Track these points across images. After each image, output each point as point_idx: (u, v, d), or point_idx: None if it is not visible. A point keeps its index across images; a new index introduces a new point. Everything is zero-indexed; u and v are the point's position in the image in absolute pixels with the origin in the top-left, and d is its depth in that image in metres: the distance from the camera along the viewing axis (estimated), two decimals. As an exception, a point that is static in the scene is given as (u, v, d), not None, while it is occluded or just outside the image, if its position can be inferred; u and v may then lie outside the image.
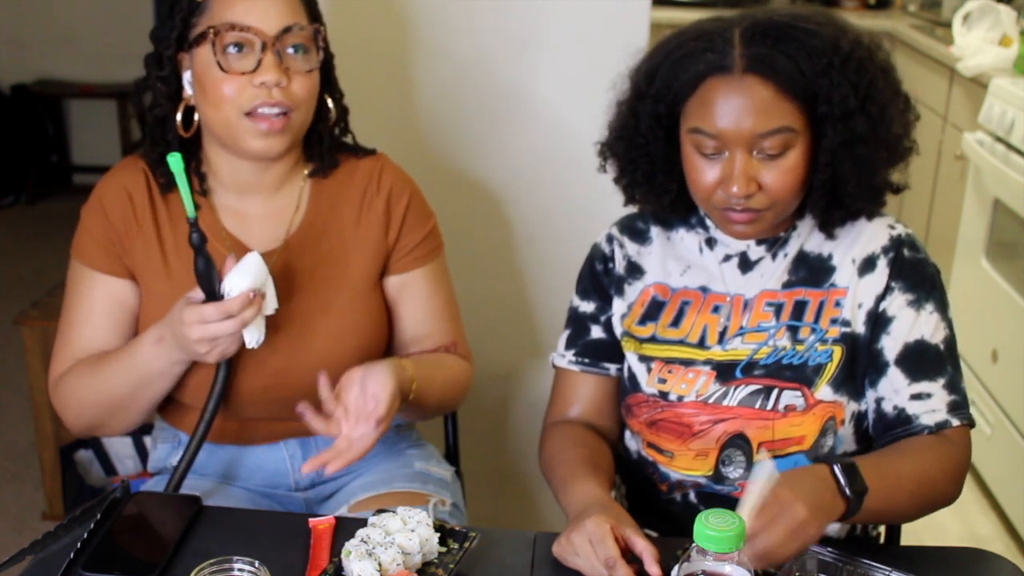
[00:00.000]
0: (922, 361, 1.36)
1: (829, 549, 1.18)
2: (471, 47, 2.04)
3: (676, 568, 1.05)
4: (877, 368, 1.37)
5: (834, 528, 1.40)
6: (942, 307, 1.39)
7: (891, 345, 1.37)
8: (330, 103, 1.55)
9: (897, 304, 1.37)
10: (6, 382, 3.38)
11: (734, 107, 1.28)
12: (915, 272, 1.38)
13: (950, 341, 1.38)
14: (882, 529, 1.53)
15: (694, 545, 1.02)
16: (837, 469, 1.20)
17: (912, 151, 1.38)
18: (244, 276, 1.35)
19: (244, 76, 1.40)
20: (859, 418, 1.40)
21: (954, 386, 1.36)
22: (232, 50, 1.40)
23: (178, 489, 1.46)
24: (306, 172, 1.57)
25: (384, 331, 1.59)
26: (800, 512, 1.13)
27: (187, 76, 1.46)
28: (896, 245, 1.39)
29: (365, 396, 1.34)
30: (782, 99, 1.28)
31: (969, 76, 3.30)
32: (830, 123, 1.30)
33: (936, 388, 1.35)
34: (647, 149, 1.40)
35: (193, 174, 1.52)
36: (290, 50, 1.42)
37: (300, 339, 1.49)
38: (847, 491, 1.19)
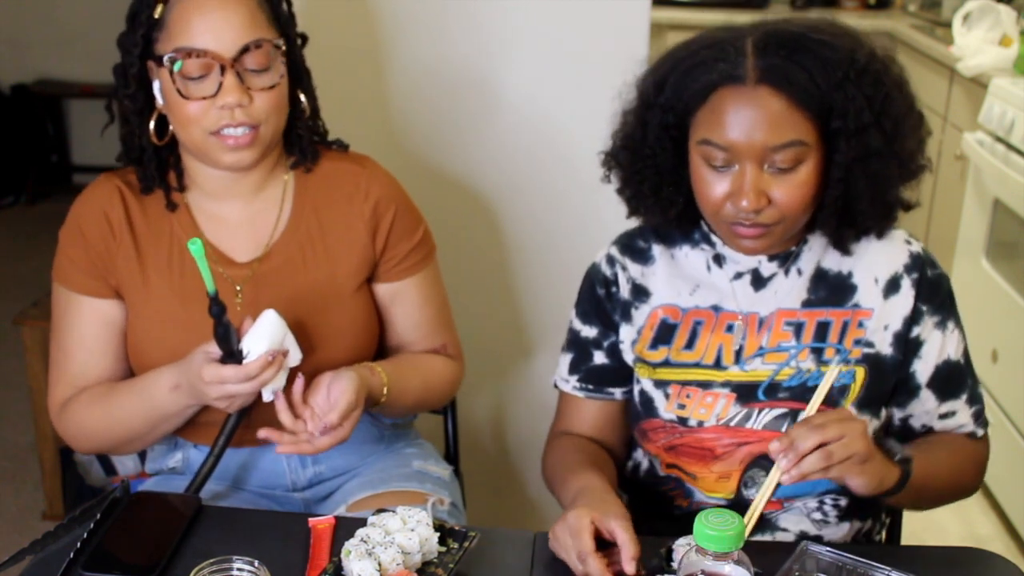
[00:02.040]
0: (950, 381, 1.40)
1: (828, 549, 1.18)
2: (466, 46, 2.03)
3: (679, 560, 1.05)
4: (909, 391, 1.40)
5: (839, 534, 1.40)
6: (958, 319, 1.41)
7: (923, 369, 1.39)
8: (303, 99, 1.53)
9: (927, 328, 1.38)
10: (6, 382, 3.37)
11: (746, 118, 1.25)
12: (938, 291, 1.38)
13: (967, 351, 1.42)
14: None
15: (694, 545, 1.02)
16: (885, 441, 1.29)
17: (925, 169, 1.35)
18: (262, 338, 1.36)
19: (206, 100, 1.40)
20: (875, 433, 1.38)
21: (974, 397, 1.42)
22: (193, 75, 1.39)
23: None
24: (286, 177, 1.55)
25: (374, 333, 1.59)
26: (860, 427, 1.20)
27: (157, 85, 1.45)
28: (918, 264, 1.38)
29: (329, 401, 1.38)
30: (795, 112, 1.25)
31: (969, 76, 3.30)
32: (844, 137, 1.26)
33: (960, 405, 1.41)
34: (654, 160, 1.36)
35: (171, 169, 1.52)
36: (250, 68, 1.41)
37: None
38: (897, 456, 1.26)
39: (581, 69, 2.02)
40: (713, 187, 1.30)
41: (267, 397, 1.40)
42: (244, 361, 1.34)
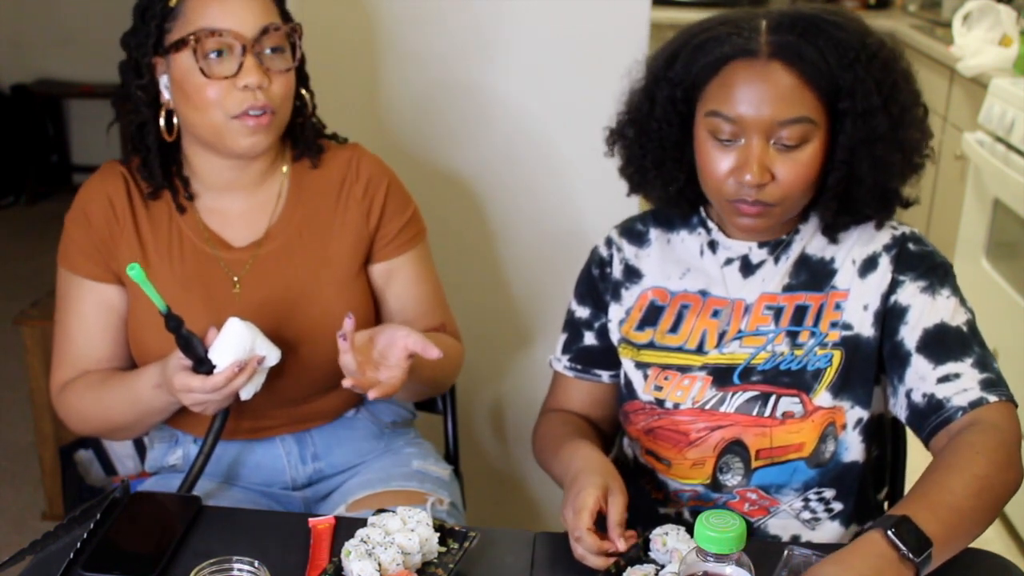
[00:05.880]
0: (944, 343, 1.30)
1: (817, 553, 1.16)
2: (463, 43, 2.03)
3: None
4: (900, 360, 1.32)
5: (838, 533, 1.40)
6: (958, 294, 1.35)
7: (910, 334, 1.32)
8: (305, 95, 1.56)
9: (909, 293, 1.33)
10: (6, 382, 3.38)
11: (756, 92, 1.26)
12: (923, 262, 1.35)
13: (973, 324, 1.33)
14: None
15: (694, 546, 1.02)
16: (892, 534, 1.09)
17: (924, 165, 1.36)
18: (227, 348, 1.36)
19: (227, 80, 1.41)
20: (867, 424, 1.37)
21: (985, 364, 1.30)
22: (213, 55, 1.41)
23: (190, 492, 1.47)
24: (284, 168, 1.57)
25: (371, 317, 1.60)
26: None
27: (164, 81, 1.47)
28: (899, 242, 1.37)
29: (388, 347, 1.39)
30: (805, 89, 1.27)
31: (969, 76, 3.30)
32: (851, 118, 1.28)
33: (964, 368, 1.29)
34: (659, 134, 1.38)
35: (176, 178, 1.53)
36: (268, 51, 1.44)
37: (288, 329, 1.50)
38: (909, 555, 1.08)
39: (580, 68, 2.02)
40: (718, 162, 1.31)
41: (245, 397, 1.42)
42: (214, 371, 1.35)
